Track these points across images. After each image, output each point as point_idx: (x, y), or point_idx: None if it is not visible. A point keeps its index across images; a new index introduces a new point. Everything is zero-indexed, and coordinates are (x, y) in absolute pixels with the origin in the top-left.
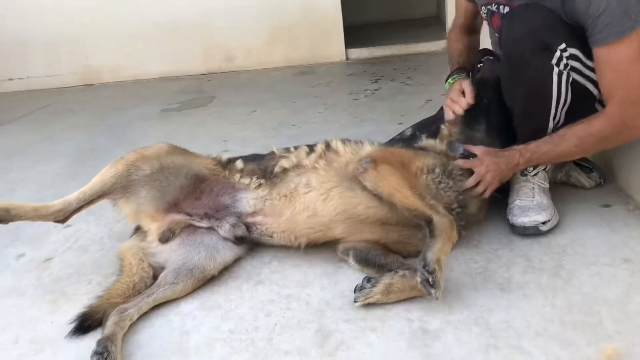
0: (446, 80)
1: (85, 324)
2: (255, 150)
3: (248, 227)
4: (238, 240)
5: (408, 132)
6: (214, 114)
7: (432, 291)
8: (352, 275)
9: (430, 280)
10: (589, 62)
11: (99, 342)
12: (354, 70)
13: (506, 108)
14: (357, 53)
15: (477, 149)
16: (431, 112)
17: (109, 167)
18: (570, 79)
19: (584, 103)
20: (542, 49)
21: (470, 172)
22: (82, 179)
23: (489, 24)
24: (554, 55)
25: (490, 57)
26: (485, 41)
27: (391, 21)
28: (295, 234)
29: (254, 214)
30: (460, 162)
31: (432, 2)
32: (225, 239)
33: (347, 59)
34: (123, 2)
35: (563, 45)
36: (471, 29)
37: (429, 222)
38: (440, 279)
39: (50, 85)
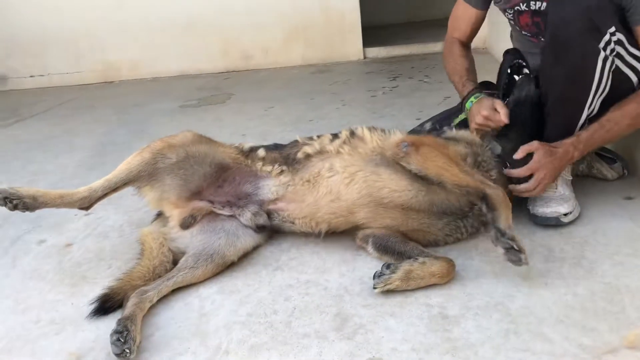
0: (465, 101)
1: (105, 305)
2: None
3: (269, 214)
4: (259, 229)
5: (427, 126)
6: (233, 110)
7: (522, 257)
8: (370, 262)
9: (515, 246)
10: (631, 49)
11: (119, 322)
12: (372, 69)
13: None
14: (375, 52)
15: (533, 147)
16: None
17: (135, 154)
18: (614, 66)
19: (621, 93)
20: (592, 31)
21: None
22: (102, 169)
23: (514, 25)
24: (602, 39)
25: (527, 72)
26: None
27: (410, 22)
28: (317, 220)
29: (275, 200)
30: (521, 171)
31: (451, 3)
32: (246, 226)
33: (364, 57)
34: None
35: (613, 29)
36: (470, 42)
37: (482, 196)
38: (520, 242)
39: (71, 82)
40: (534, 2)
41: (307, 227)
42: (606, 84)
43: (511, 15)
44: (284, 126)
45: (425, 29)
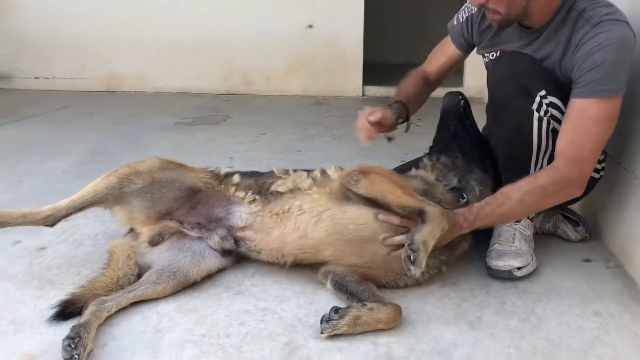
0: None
1: (66, 311)
2: (259, 170)
3: (237, 241)
4: (225, 253)
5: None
6: (226, 132)
7: (412, 267)
8: (329, 296)
9: (412, 257)
10: None
11: (73, 328)
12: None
13: (475, 132)
14: (374, 90)
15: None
16: None
17: (102, 178)
18: (551, 127)
19: None
20: (523, 94)
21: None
22: (88, 178)
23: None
24: (534, 101)
25: (452, 91)
26: None
27: (413, 63)
28: (283, 253)
29: (244, 228)
30: (395, 219)
31: None
32: (213, 249)
33: (363, 95)
34: (153, 15)
35: (543, 92)
36: (434, 79)
37: (421, 212)
38: (422, 259)
39: (74, 87)
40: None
41: (273, 258)
42: (547, 143)
43: (486, 62)
44: (272, 153)
45: None
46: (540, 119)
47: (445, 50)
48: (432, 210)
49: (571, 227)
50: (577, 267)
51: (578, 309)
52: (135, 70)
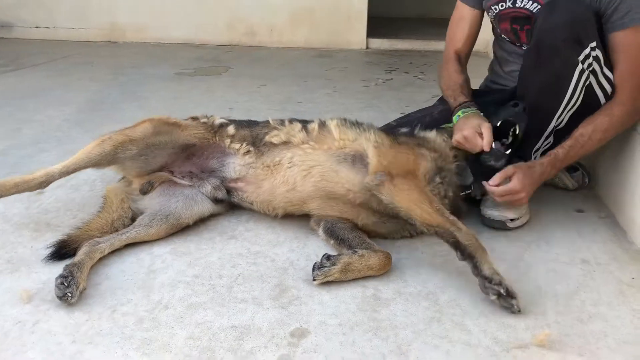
0: (453, 114)
1: (62, 251)
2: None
3: (229, 191)
4: (217, 201)
5: (393, 124)
6: (226, 83)
7: (514, 302)
8: (321, 242)
9: (503, 292)
10: (606, 70)
11: (66, 267)
12: (371, 59)
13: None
14: (378, 43)
15: (510, 172)
16: None
17: (95, 144)
18: (588, 82)
19: (589, 112)
20: (575, 42)
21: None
22: (87, 126)
23: (496, 28)
24: (582, 52)
25: (517, 102)
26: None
27: (418, 17)
28: (273, 206)
29: (236, 180)
30: (500, 190)
31: None
32: (205, 195)
33: (367, 47)
34: None
35: (594, 44)
36: (466, 55)
37: (453, 242)
38: (511, 285)
39: (75, 37)
40: (520, 1)
41: (265, 209)
42: (578, 98)
43: (492, 17)
44: (271, 104)
45: (431, 26)
46: (581, 72)
47: (462, 17)
48: (467, 237)
49: (567, 174)
50: (570, 217)
51: (566, 257)
52: (136, 20)
